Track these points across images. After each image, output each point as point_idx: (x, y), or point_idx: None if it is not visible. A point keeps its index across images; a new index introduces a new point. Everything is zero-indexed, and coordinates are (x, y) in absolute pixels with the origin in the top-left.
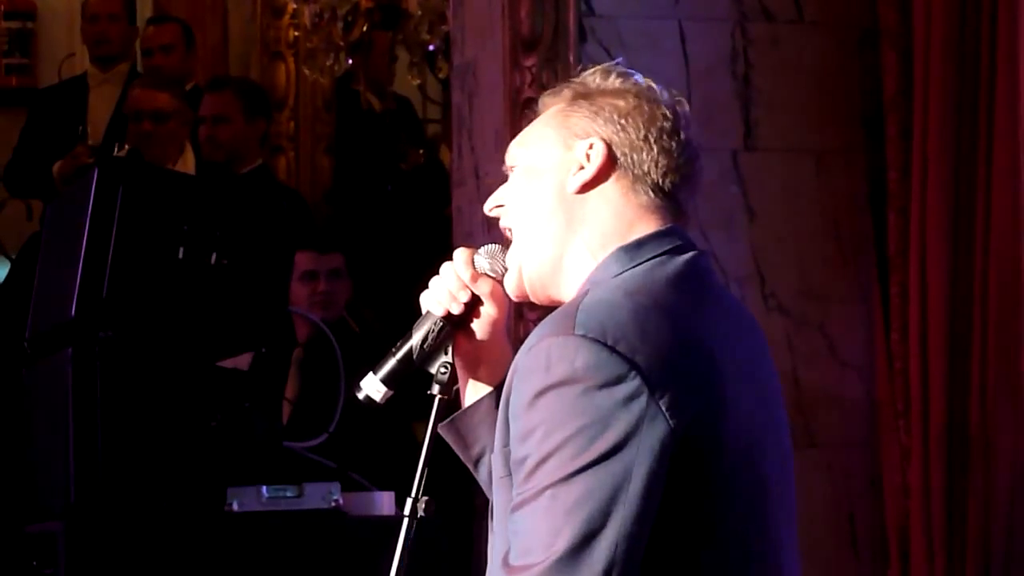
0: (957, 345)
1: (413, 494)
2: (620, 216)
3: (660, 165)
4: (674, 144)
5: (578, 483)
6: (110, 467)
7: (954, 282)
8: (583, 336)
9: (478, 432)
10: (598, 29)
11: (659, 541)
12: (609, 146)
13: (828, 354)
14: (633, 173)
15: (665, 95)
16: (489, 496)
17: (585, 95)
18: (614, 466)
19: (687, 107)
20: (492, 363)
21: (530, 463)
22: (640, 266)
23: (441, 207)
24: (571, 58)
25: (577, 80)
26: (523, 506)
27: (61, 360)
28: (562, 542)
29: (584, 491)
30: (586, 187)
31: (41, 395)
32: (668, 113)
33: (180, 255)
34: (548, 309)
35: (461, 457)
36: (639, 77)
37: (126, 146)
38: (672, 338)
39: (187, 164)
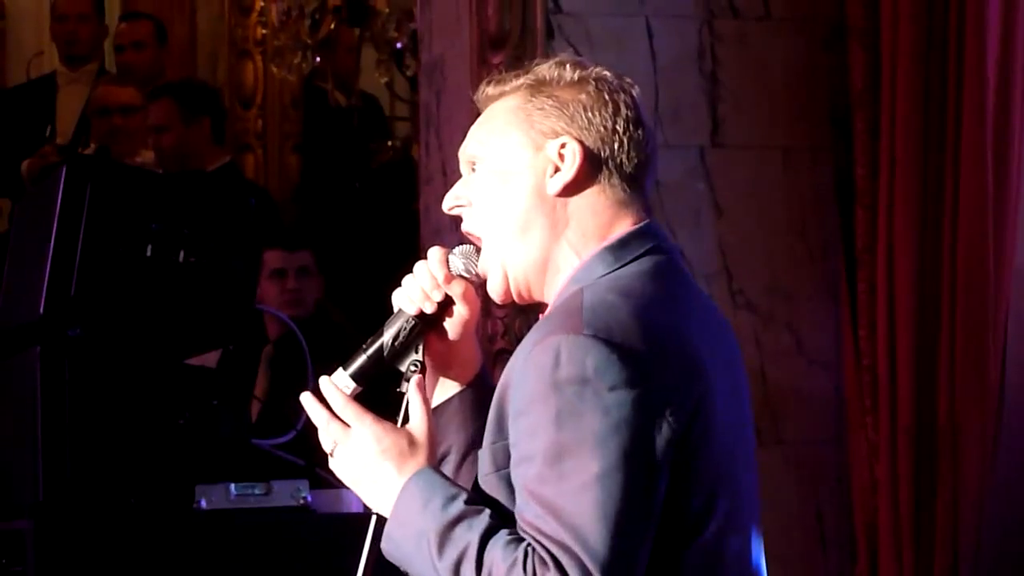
0: (925, 342)
1: None
2: (600, 214)
3: (631, 157)
4: (640, 133)
5: (601, 486)
6: (78, 465)
7: (922, 278)
8: (593, 336)
9: (445, 431)
10: (566, 26)
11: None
12: (582, 144)
13: (796, 351)
14: (607, 168)
15: (619, 82)
16: None
17: (541, 88)
18: (633, 470)
19: (638, 91)
20: (461, 363)
21: (538, 461)
22: (626, 267)
23: (410, 203)
24: (539, 55)
25: (527, 72)
26: (537, 505)
27: (29, 358)
28: (591, 543)
29: (607, 493)
30: (566, 188)
31: (9, 393)
32: (629, 101)
33: (148, 253)
34: (516, 307)
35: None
36: (592, 66)
37: (93, 144)
38: (669, 340)
39: (148, 157)
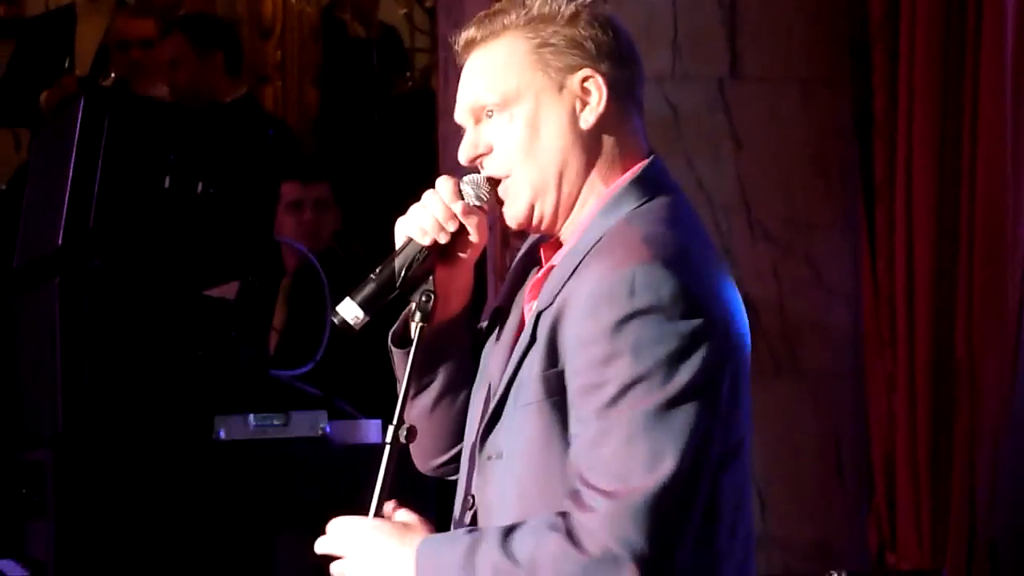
0: (943, 273)
1: (394, 421)
2: (623, 142)
3: (637, 80)
4: (635, 55)
5: (675, 410)
6: (97, 396)
7: (940, 210)
8: (665, 266)
9: (437, 357)
10: None
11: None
12: (602, 73)
13: (814, 282)
14: (623, 94)
15: (602, 5)
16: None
17: (542, 26)
18: (707, 395)
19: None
20: (460, 290)
21: (612, 388)
22: (654, 201)
23: (429, 136)
24: None
25: (512, 12)
26: (610, 432)
27: (48, 290)
28: (667, 466)
29: (683, 418)
30: (599, 120)
31: (29, 324)
32: (619, 24)
33: (166, 184)
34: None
35: (411, 380)
36: None
37: (112, 75)
38: (716, 272)
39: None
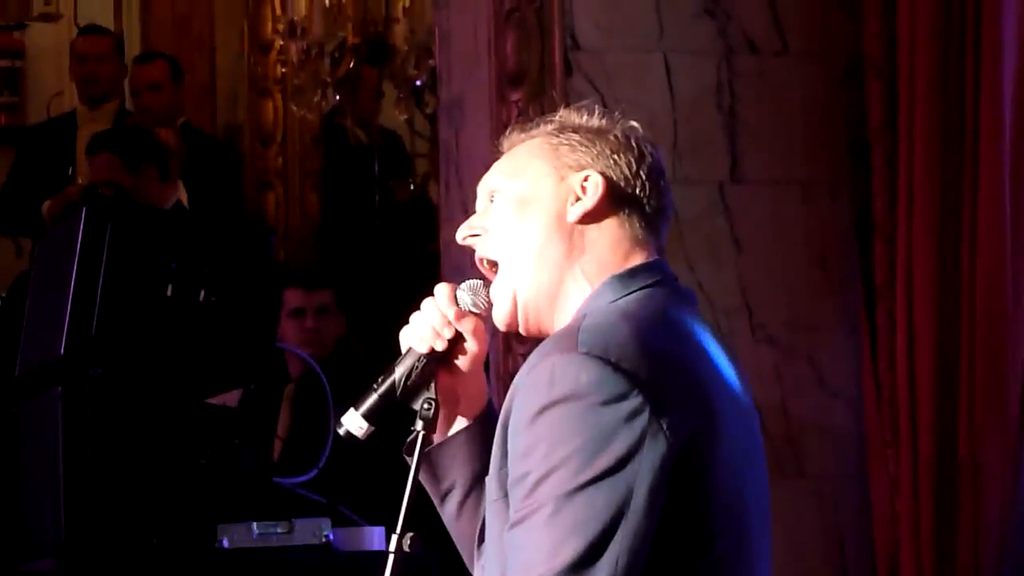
0: (945, 374)
1: (398, 530)
2: (616, 247)
3: (651, 200)
4: (661, 183)
5: (581, 498)
6: (100, 504)
7: (941, 311)
8: (587, 354)
9: (450, 465)
10: (584, 63)
11: (653, 562)
12: (605, 177)
13: (816, 384)
14: (628, 206)
15: (643, 134)
16: (454, 536)
17: (567, 127)
18: (617, 482)
19: (660, 150)
20: (468, 397)
21: (531, 479)
22: (633, 294)
23: (427, 242)
24: (557, 92)
25: (555, 117)
26: (524, 521)
27: (51, 398)
28: (564, 556)
29: (587, 506)
30: (585, 217)
31: (31, 433)
32: (653, 152)
33: (169, 292)
34: (537, 342)
35: (429, 491)
36: (620, 116)
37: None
38: (670, 359)
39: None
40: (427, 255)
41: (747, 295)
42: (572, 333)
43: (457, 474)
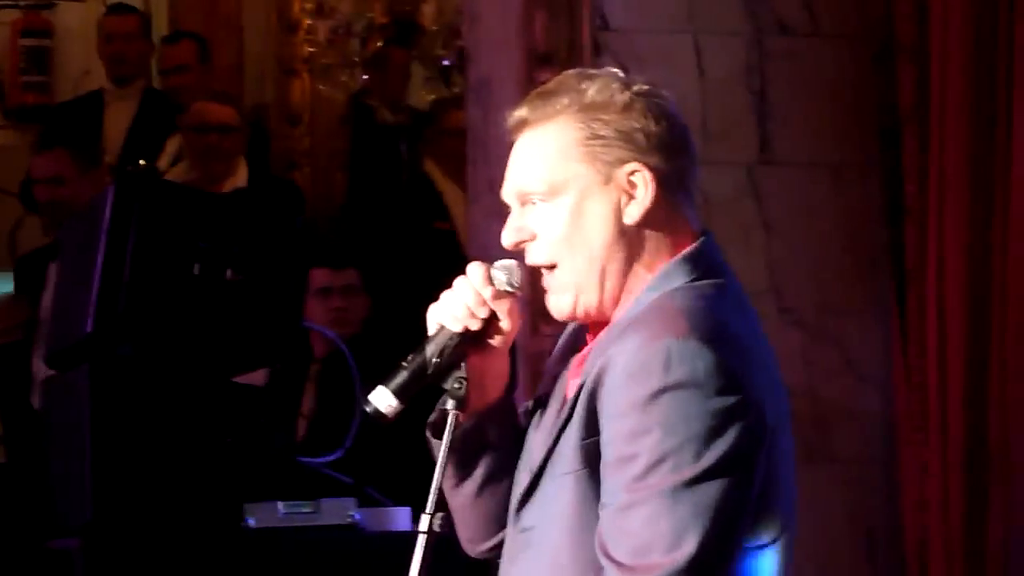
0: (975, 358)
1: (428, 510)
2: (671, 231)
3: (688, 170)
4: (689, 144)
5: (699, 489)
6: (127, 483)
7: (972, 295)
8: (702, 340)
9: (474, 446)
10: (613, 43)
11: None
12: (649, 167)
13: (845, 369)
14: (671, 183)
15: (657, 89)
16: (459, 518)
17: (594, 115)
18: (732, 475)
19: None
20: (494, 376)
21: (642, 462)
22: (701, 280)
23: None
24: None
25: (568, 92)
26: (637, 505)
27: (78, 376)
28: (687, 548)
29: (705, 498)
30: (644, 215)
31: (58, 411)
32: (672, 109)
33: (196, 271)
34: (563, 325)
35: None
36: (632, 80)
37: (142, 162)
38: (755, 351)
39: (241, 178)
40: (434, 233)
41: (776, 278)
42: (673, 314)
43: (481, 455)
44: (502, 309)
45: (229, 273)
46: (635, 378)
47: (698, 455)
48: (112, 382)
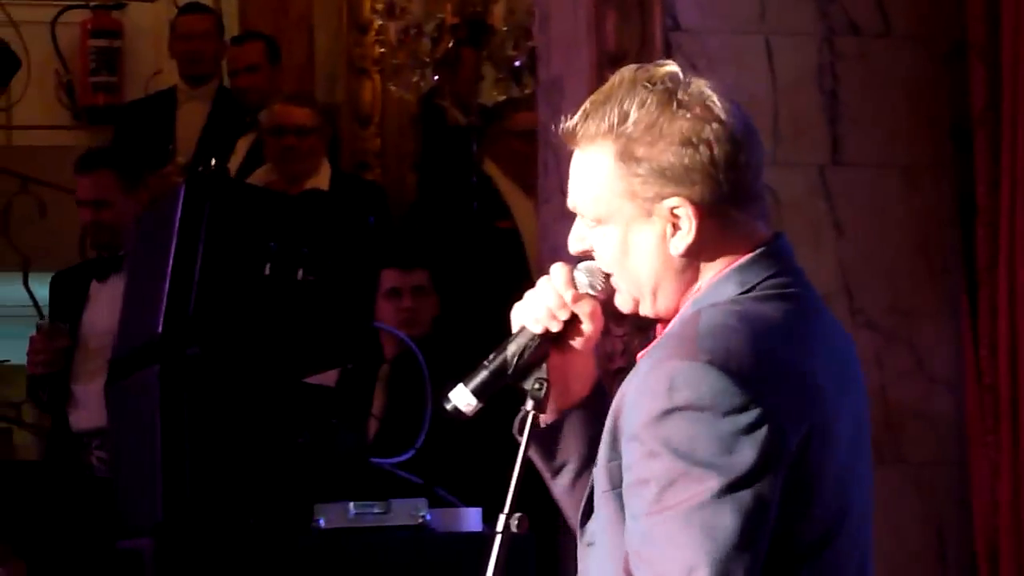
0: None
1: (506, 510)
2: (724, 246)
3: (739, 182)
4: (751, 149)
5: (709, 512)
6: (198, 484)
7: None
8: (708, 362)
9: (566, 443)
10: (684, 44)
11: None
12: (690, 200)
13: (917, 370)
14: (719, 207)
15: (704, 97)
16: (563, 507)
17: (630, 150)
18: (744, 496)
19: (719, 98)
20: (580, 377)
21: (655, 486)
22: (751, 292)
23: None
24: None
25: (619, 103)
26: (653, 529)
27: (148, 377)
28: (701, 571)
29: (719, 519)
30: (690, 247)
31: (128, 412)
32: (720, 118)
33: (267, 271)
34: (635, 326)
35: (540, 467)
36: (674, 88)
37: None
38: (785, 366)
39: (323, 179)
40: (497, 233)
41: (847, 279)
42: (691, 336)
43: (572, 451)
44: (583, 311)
45: (300, 274)
46: (643, 401)
47: (708, 478)
48: (182, 383)
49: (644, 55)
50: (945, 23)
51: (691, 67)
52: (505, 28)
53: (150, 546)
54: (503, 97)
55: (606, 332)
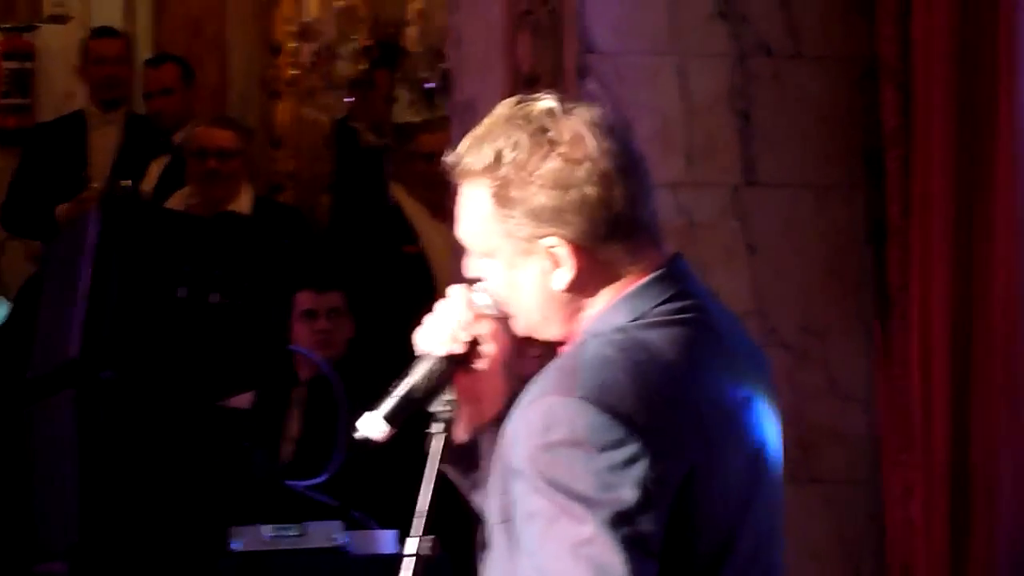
0: (959, 380)
1: (417, 533)
2: (608, 276)
3: (620, 210)
4: (615, 191)
5: (597, 544)
6: (113, 507)
7: (955, 315)
8: (583, 398)
9: (484, 459)
10: (597, 66)
11: None
12: (566, 239)
13: (830, 389)
14: (600, 240)
15: (578, 125)
16: (477, 507)
17: (505, 193)
18: (627, 531)
19: (597, 112)
20: (490, 397)
21: (541, 520)
22: (642, 319)
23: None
24: (572, 96)
25: (496, 140)
26: (544, 564)
27: (64, 400)
28: None
29: (605, 556)
30: (572, 282)
31: (44, 435)
32: (595, 147)
33: (181, 294)
34: (551, 348)
35: (460, 484)
36: (570, 123)
37: (127, 183)
38: (667, 399)
39: (245, 202)
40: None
41: (761, 299)
42: (571, 370)
43: (489, 467)
44: (484, 332)
45: (215, 296)
46: (522, 437)
47: (589, 514)
48: (98, 406)
49: (557, 77)
50: (857, 45)
51: (604, 88)
52: (419, 50)
53: (65, 569)
54: (418, 119)
55: (520, 354)
